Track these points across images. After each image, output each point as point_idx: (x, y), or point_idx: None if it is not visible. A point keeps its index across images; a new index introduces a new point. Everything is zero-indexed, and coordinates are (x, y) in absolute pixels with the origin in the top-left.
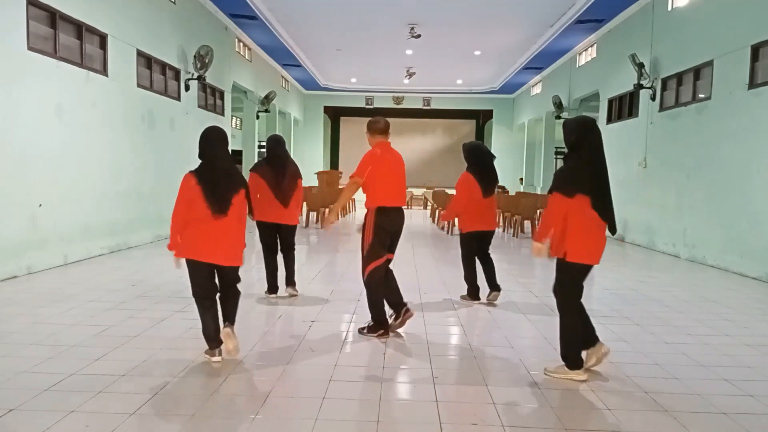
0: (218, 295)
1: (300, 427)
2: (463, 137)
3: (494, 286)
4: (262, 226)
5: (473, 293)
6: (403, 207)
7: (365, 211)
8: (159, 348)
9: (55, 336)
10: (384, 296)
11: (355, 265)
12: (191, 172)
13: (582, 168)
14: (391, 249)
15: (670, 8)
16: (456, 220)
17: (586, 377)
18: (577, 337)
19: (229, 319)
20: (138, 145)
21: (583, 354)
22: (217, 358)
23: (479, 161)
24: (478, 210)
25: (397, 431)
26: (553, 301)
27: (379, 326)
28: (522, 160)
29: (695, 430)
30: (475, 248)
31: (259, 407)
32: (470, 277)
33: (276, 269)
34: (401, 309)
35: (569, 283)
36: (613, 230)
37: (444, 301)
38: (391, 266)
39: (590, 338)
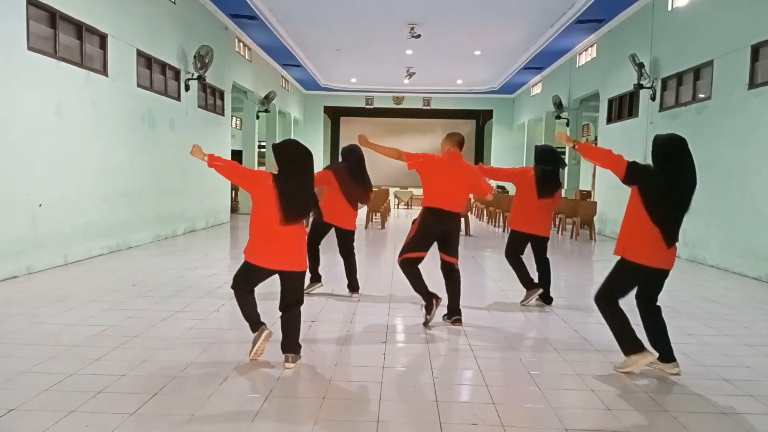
0: (280, 314)
1: (300, 427)
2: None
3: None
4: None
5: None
6: (457, 212)
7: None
8: (159, 348)
9: (55, 336)
10: (418, 282)
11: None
12: (272, 173)
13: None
14: (448, 251)
15: (670, 8)
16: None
17: (651, 358)
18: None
19: (293, 349)
20: (138, 145)
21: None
22: (265, 333)
23: (547, 163)
24: (531, 209)
25: (397, 431)
26: (553, 300)
27: (430, 304)
28: (522, 160)
29: (695, 430)
30: (521, 250)
31: (258, 407)
32: (520, 275)
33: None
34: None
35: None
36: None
37: (444, 301)
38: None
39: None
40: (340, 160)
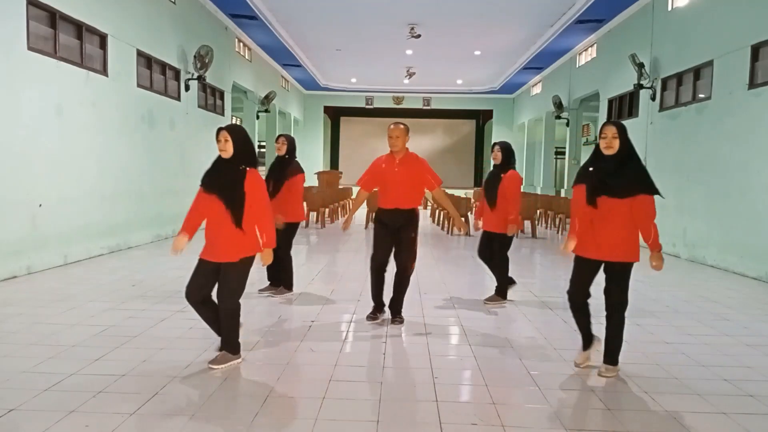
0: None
1: (300, 427)
2: (463, 137)
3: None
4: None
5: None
6: (403, 208)
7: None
8: (159, 348)
9: (55, 336)
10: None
11: (354, 265)
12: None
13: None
14: (399, 247)
15: (670, 8)
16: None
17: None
18: None
19: (224, 346)
20: (138, 145)
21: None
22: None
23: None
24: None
25: (397, 431)
26: (552, 300)
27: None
28: (522, 160)
29: (695, 430)
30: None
31: (259, 407)
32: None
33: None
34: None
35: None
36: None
37: (444, 301)
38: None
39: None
40: (286, 154)
